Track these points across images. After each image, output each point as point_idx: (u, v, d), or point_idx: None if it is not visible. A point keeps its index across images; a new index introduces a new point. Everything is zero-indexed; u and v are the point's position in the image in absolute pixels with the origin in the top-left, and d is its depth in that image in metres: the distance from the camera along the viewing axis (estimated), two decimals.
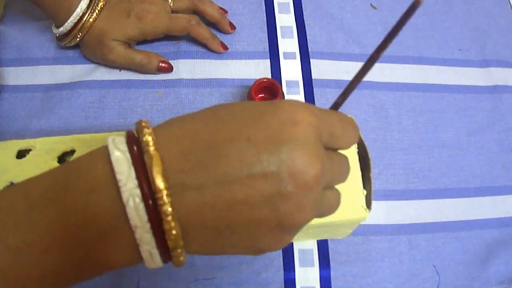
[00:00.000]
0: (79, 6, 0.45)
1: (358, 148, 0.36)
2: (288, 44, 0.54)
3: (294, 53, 0.54)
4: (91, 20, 0.46)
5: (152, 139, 0.20)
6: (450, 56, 0.56)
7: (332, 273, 0.44)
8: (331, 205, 0.25)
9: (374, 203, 0.34)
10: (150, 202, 0.19)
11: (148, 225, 0.20)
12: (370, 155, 0.34)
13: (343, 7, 0.58)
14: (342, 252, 0.44)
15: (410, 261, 0.45)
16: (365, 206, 0.34)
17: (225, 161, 0.20)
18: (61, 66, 0.52)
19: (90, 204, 0.20)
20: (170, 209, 0.19)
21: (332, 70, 0.53)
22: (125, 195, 0.19)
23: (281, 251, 0.44)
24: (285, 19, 0.56)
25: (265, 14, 0.56)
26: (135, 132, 0.22)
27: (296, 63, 0.53)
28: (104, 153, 0.20)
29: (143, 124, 0.21)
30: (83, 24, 0.46)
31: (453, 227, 0.46)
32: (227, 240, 0.22)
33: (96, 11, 0.47)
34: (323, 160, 0.22)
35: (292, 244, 0.44)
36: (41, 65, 0.52)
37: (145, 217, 0.20)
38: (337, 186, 0.34)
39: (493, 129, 0.52)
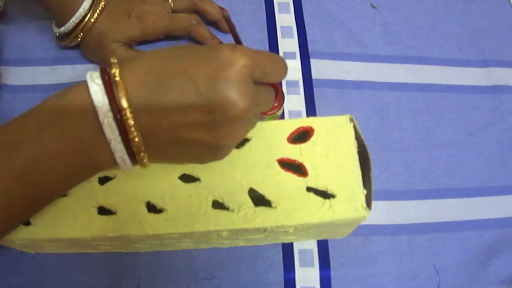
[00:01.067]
0: (82, 7, 0.45)
1: (358, 148, 0.36)
2: (288, 44, 0.54)
3: (294, 53, 0.54)
4: (92, 20, 0.46)
5: (118, 72, 0.26)
6: (450, 56, 0.56)
7: (332, 273, 0.44)
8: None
9: (374, 203, 0.34)
10: (119, 117, 0.26)
11: (119, 137, 0.26)
12: (370, 155, 0.34)
13: (343, 7, 0.58)
14: (342, 252, 0.44)
15: (410, 261, 0.45)
16: (365, 206, 0.34)
17: (169, 92, 0.26)
18: (61, 66, 0.52)
19: (81, 126, 0.26)
20: (132, 122, 0.26)
21: (332, 70, 0.53)
22: (101, 117, 0.26)
23: (281, 250, 0.44)
24: (285, 19, 0.56)
25: (265, 14, 0.56)
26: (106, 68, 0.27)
27: (296, 63, 0.53)
28: (85, 87, 0.26)
29: (112, 60, 0.27)
30: (84, 25, 0.46)
31: (453, 227, 0.46)
32: (176, 151, 0.29)
33: (97, 11, 0.46)
34: (252, 96, 0.27)
35: (292, 244, 0.44)
36: (41, 65, 0.52)
37: (116, 131, 0.26)
38: (337, 186, 0.34)
39: (493, 129, 0.52)
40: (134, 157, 0.28)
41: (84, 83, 0.27)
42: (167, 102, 0.26)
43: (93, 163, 0.28)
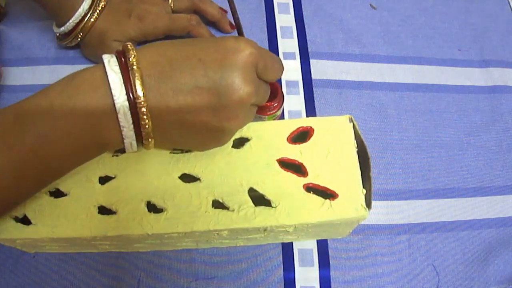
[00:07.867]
0: (81, 7, 0.45)
1: (357, 147, 0.36)
2: (288, 44, 0.55)
3: (294, 53, 0.54)
4: (92, 20, 0.47)
5: (136, 60, 0.27)
6: (450, 56, 0.56)
7: (331, 273, 0.44)
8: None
9: (373, 203, 0.34)
10: (134, 106, 0.27)
11: (132, 125, 0.28)
12: (369, 155, 0.34)
13: (343, 7, 0.58)
14: (341, 252, 0.44)
15: (410, 261, 0.45)
16: (364, 205, 0.34)
17: (179, 74, 0.28)
18: (61, 66, 0.52)
19: (92, 106, 0.27)
20: (145, 110, 0.27)
21: (331, 70, 0.53)
22: (117, 105, 0.27)
23: (281, 250, 0.44)
24: (285, 19, 0.56)
25: (265, 14, 0.56)
26: (123, 53, 0.28)
27: (296, 63, 0.53)
28: (102, 74, 0.27)
29: (129, 46, 0.28)
30: (84, 24, 0.46)
31: (452, 227, 0.47)
32: (181, 135, 0.31)
33: (97, 11, 0.47)
34: (255, 83, 0.30)
35: (292, 243, 0.44)
36: (41, 65, 0.52)
37: (130, 120, 0.28)
38: (337, 186, 0.34)
39: (493, 129, 0.52)
40: (141, 142, 0.30)
41: (97, 67, 0.28)
42: (176, 83, 0.28)
43: (102, 143, 0.29)
